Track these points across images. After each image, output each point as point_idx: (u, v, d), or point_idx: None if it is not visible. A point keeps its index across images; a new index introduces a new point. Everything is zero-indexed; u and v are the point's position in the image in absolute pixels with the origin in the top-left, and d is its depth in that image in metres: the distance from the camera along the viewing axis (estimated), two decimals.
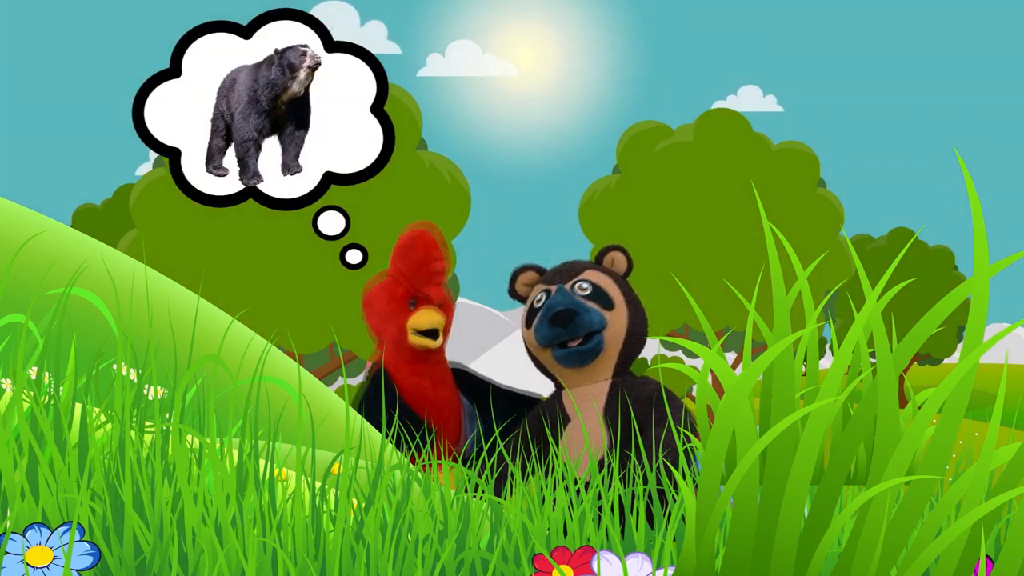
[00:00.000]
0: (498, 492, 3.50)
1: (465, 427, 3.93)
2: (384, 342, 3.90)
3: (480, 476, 3.56)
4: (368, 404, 3.84)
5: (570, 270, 3.74)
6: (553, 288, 3.70)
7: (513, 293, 3.80)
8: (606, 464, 3.48)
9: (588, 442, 3.56)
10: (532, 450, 3.65)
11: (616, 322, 3.68)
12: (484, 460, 3.58)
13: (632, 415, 3.57)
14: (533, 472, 3.61)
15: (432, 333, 3.84)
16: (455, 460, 3.82)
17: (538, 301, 3.71)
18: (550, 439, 3.65)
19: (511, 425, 3.80)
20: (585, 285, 3.69)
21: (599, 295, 3.67)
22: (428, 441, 3.75)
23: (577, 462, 3.55)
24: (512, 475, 3.54)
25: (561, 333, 3.64)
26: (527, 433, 3.71)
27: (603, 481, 2.87)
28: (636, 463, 3.39)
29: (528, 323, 3.71)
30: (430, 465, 3.70)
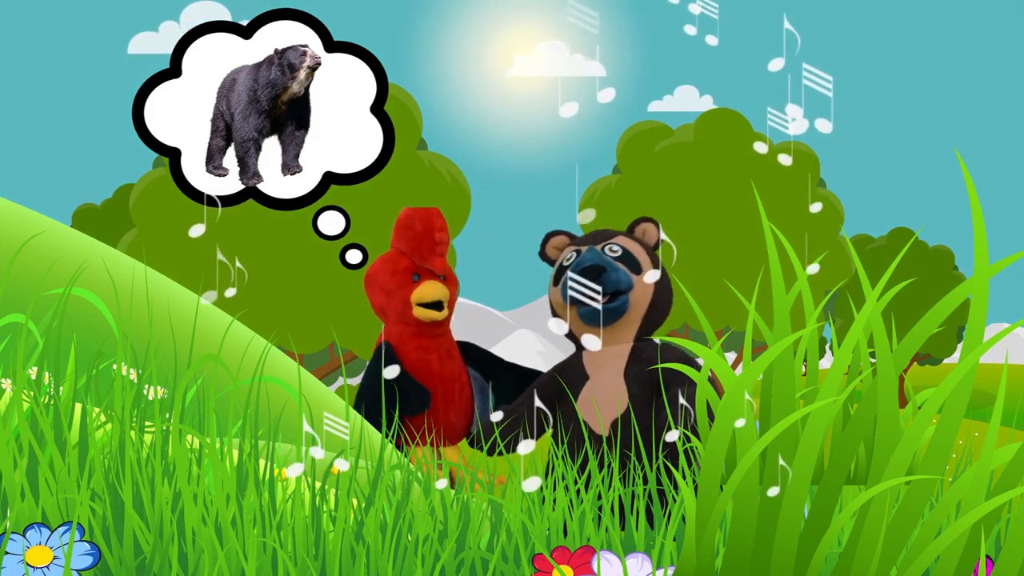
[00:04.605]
0: (508, 440, 3.57)
1: (476, 401, 3.91)
2: (389, 318, 3.87)
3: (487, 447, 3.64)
4: (370, 378, 3.81)
5: (602, 235, 3.80)
6: (584, 248, 3.74)
7: (543, 255, 3.84)
8: (623, 424, 3.53)
9: (610, 399, 3.59)
10: (549, 404, 3.69)
11: (642, 286, 3.71)
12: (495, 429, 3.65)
13: (657, 375, 3.60)
14: (549, 425, 3.66)
15: (437, 305, 3.82)
16: (466, 435, 3.83)
17: (567, 260, 3.75)
18: (568, 402, 3.66)
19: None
20: (616, 248, 3.74)
21: (628, 259, 3.72)
22: (429, 408, 3.75)
23: (595, 419, 3.59)
24: (523, 426, 3.61)
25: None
26: (544, 386, 3.73)
27: (603, 481, 2.88)
28: (655, 425, 3.44)
29: (556, 281, 3.75)
30: (434, 444, 3.72)
